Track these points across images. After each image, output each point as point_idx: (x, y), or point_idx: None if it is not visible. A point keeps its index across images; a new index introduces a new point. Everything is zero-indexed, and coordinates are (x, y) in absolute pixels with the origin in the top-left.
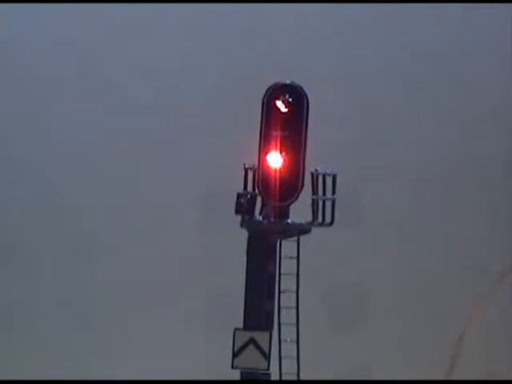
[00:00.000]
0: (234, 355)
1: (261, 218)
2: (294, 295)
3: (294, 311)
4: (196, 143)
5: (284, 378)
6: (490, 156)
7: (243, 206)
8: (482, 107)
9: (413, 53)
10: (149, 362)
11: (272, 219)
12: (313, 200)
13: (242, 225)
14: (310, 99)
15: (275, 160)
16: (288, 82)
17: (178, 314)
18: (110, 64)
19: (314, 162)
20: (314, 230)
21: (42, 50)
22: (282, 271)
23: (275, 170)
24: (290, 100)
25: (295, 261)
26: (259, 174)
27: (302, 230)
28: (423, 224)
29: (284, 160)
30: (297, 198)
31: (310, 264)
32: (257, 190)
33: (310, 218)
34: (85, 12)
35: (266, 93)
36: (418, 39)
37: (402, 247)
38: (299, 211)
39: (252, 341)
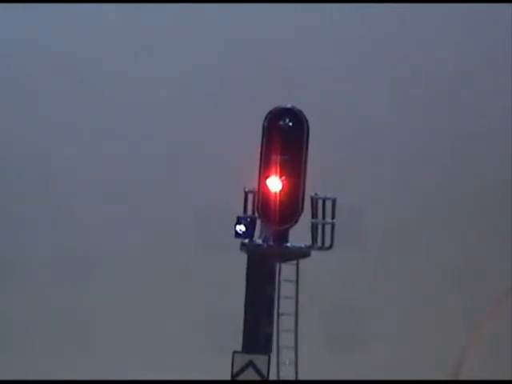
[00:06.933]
0: (233, 378)
1: (260, 242)
2: (293, 318)
3: (292, 334)
4: (196, 166)
5: None
6: (491, 175)
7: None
8: (482, 127)
9: (413, 73)
10: None
11: (271, 243)
12: (312, 224)
13: (241, 248)
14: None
15: (275, 184)
16: (288, 106)
17: (177, 336)
18: (110, 84)
19: (313, 186)
20: (314, 254)
21: (41, 63)
22: (281, 294)
23: (275, 194)
24: (290, 124)
25: (294, 284)
26: (259, 198)
27: (302, 253)
28: (423, 248)
29: (284, 184)
30: (296, 222)
31: (309, 287)
32: (256, 214)
33: (309, 241)
34: (85, 26)
35: (267, 117)
36: (418, 61)
37: (401, 271)
38: (299, 235)
39: (251, 364)
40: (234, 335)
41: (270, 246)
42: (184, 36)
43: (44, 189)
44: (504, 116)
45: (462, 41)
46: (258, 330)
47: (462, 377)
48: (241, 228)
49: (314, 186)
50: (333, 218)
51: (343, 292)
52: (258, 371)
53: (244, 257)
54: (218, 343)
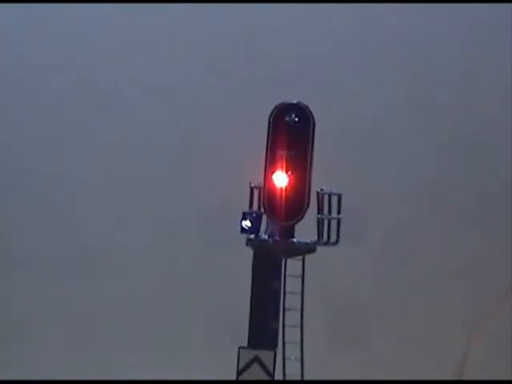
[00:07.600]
0: (238, 374)
1: (266, 237)
2: (299, 314)
3: (298, 330)
4: (201, 161)
5: None
6: (491, 175)
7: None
8: (482, 127)
9: (413, 73)
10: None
11: (277, 238)
12: (318, 219)
13: (247, 243)
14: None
15: (281, 179)
16: (294, 101)
17: (182, 332)
18: (110, 84)
19: (319, 181)
20: (319, 249)
21: (41, 63)
22: (286, 290)
23: (281, 189)
24: (296, 119)
25: (300, 279)
26: (265, 193)
27: (308, 248)
28: (427, 243)
29: (290, 179)
30: (302, 218)
31: (314, 283)
32: (262, 209)
33: (315, 236)
34: (85, 26)
35: (273, 112)
36: (418, 61)
37: (406, 266)
38: (304, 230)
39: (256, 359)
40: (234, 335)
41: (275, 242)
42: (184, 36)
43: (44, 189)
44: (504, 116)
45: (462, 41)
46: (263, 326)
47: (463, 377)
48: (246, 223)
49: (319, 182)
50: (338, 213)
51: (349, 287)
52: (263, 367)
53: (245, 256)
54: (219, 343)
